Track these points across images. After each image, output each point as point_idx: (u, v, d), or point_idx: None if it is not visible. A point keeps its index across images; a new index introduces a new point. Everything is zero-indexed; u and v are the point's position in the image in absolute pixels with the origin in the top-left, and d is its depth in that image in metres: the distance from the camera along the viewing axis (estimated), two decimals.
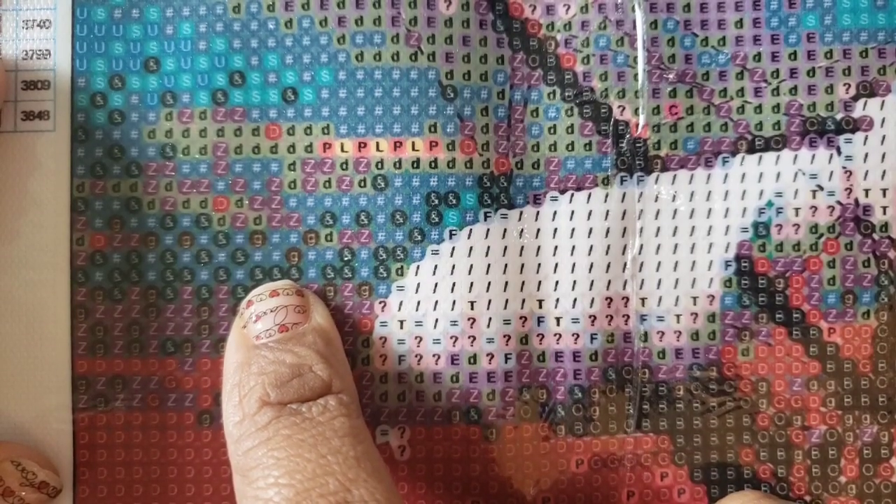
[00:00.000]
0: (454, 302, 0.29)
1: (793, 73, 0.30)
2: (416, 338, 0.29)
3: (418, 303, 0.29)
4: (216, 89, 0.30)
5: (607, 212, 0.30)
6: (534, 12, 0.30)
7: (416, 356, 0.29)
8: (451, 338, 0.29)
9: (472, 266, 0.29)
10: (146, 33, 0.30)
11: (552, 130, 0.30)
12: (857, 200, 0.30)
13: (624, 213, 0.30)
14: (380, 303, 0.29)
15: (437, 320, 0.29)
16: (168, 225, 0.30)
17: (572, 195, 0.30)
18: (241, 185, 0.30)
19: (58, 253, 0.29)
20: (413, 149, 0.29)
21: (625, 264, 0.30)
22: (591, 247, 0.30)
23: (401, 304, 0.29)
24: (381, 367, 0.29)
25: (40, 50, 0.30)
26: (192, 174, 0.30)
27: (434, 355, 0.29)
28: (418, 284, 0.29)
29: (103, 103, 0.30)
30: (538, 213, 0.30)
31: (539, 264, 0.30)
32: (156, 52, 0.30)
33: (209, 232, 0.30)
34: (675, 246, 0.30)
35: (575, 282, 0.30)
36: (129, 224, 0.30)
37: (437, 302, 0.29)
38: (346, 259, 0.29)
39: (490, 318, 0.29)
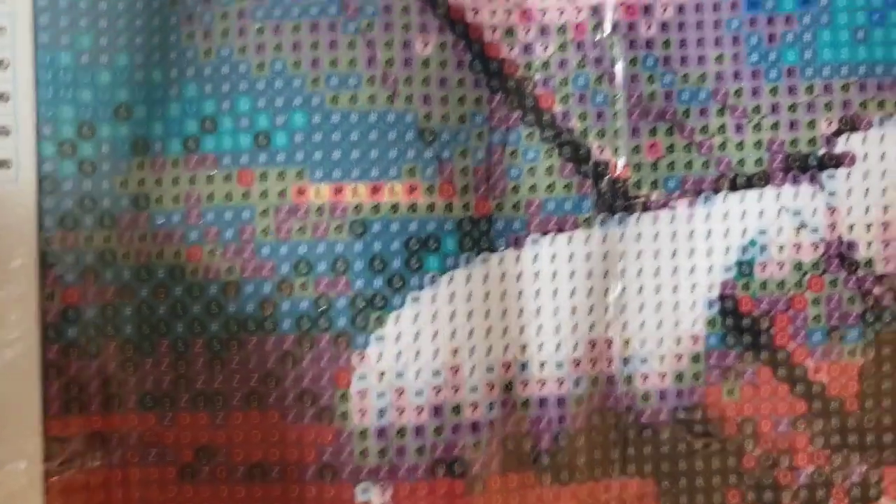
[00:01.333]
0: (436, 351, 0.29)
1: (774, 108, 0.30)
2: (396, 390, 0.28)
3: (399, 353, 0.29)
4: (188, 136, 0.29)
5: (589, 253, 0.30)
6: (511, 51, 0.30)
7: (397, 410, 0.28)
8: (434, 389, 0.28)
9: (454, 312, 0.29)
10: (116, 79, 0.29)
11: (532, 172, 0.30)
12: (840, 237, 0.30)
13: (606, 254, 0.30)
14: (358, 354, 0.29)
15: (418, 371, 0.29)
16: (143, 277, 0.29)
17: (553, 237, 0.30)
18: (213, 234, 0.29)
19: (26, 310, 0.28)
20: (392, 193, 0.29)
21: (607, 306, 0.30)
22: (574, 289, 0.30)
23: (380, 355, 0.29)
24: (361, 423, 0.28)
25: None
26: (165, 224, 0.29)
27: (416, 408, 0.28)
28: (399, 334, 0.29)
29: (72, 152, 0.29)
30: (519, 255, 0.30)
31: (521, 308, 0.30)
32: (126, 98, 0.29)
33: (184, 283, 0.29)
34: (658, 287, 0.30)
35: (558, 325, 0.29)
36: (104, 277, 0.29)
37: (418, 351, 0.29)
38: (322, 309, 0.29)
39: (473, 367, 0.29)
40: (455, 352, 0.29)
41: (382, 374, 0.28)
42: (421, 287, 0.29)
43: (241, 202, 0.29)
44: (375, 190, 0.29)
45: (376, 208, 0.29)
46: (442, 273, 0.29)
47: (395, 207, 0.29)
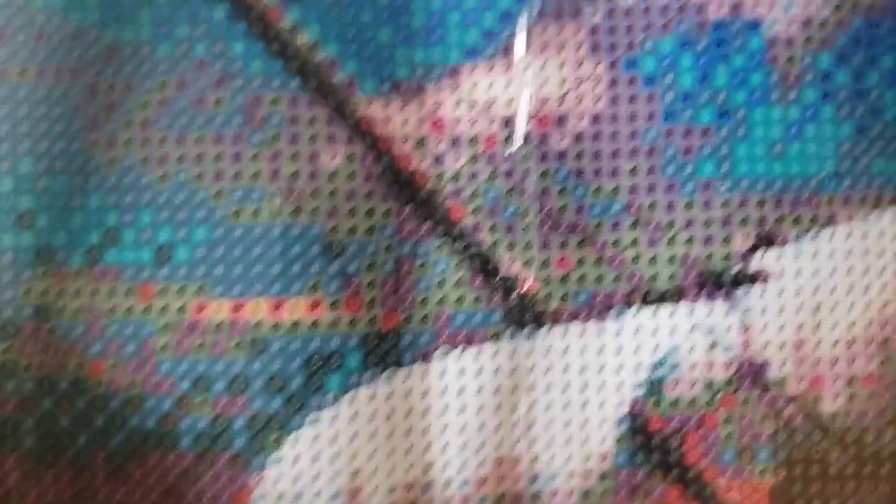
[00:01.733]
0: (336, 473, 0.28)
1: (689, 223, 0.29)
2: None
3: (297, 476, 0.28)
4: (91, 248, 0.29)
5: (498, 368, 0.29)
6: (422, 163, 0.29)
7: None
8: None
9: (356, 433, 0.28)
10: (18, 186, 0.29)
11: (441, 284, 0.29)
12: (753, 356, 0.29)
13: (514, 369, 0.29)
14: (256, 476, 0.28)
15: (318, 493, 0.28)
16: (46, 389, 0.29)
17: (462, 351, 0.29)
18: (115, 348, 0.29)
19: None
20: (293, 310, 0.28)
21: (515, 423, 0.29)
22: (482, 405, 0.29)
23: (279, 476, 0.28)
24: None
25: None
26: (68, 337, 0.29)
27: None
28: (297, 456, 0.28)
29: None
30: (427, 370, 0.29)
31: (427, 426, 0.29)
32: (29, 206, 0.29)
33: (87, 396, 0.29)
34: (567, 402, 0.29)
35: (464, 443, 0.29)
36: (5, 388, 0.29)
37: (317, 474, 0.28)
38: (220, 428, 0.28)
39: (375, 488, 0.28)
40: (356, 473, 0.28)
41: (280, 496, 0.28)
42: (321, 407, 0.28)
43: (141, 317, 0.29)
44: (276, 306, 0.28)
45: (276, 326, 0.28)
46: (344, 392, 0.29)
47: (296, 324, 0.28)
